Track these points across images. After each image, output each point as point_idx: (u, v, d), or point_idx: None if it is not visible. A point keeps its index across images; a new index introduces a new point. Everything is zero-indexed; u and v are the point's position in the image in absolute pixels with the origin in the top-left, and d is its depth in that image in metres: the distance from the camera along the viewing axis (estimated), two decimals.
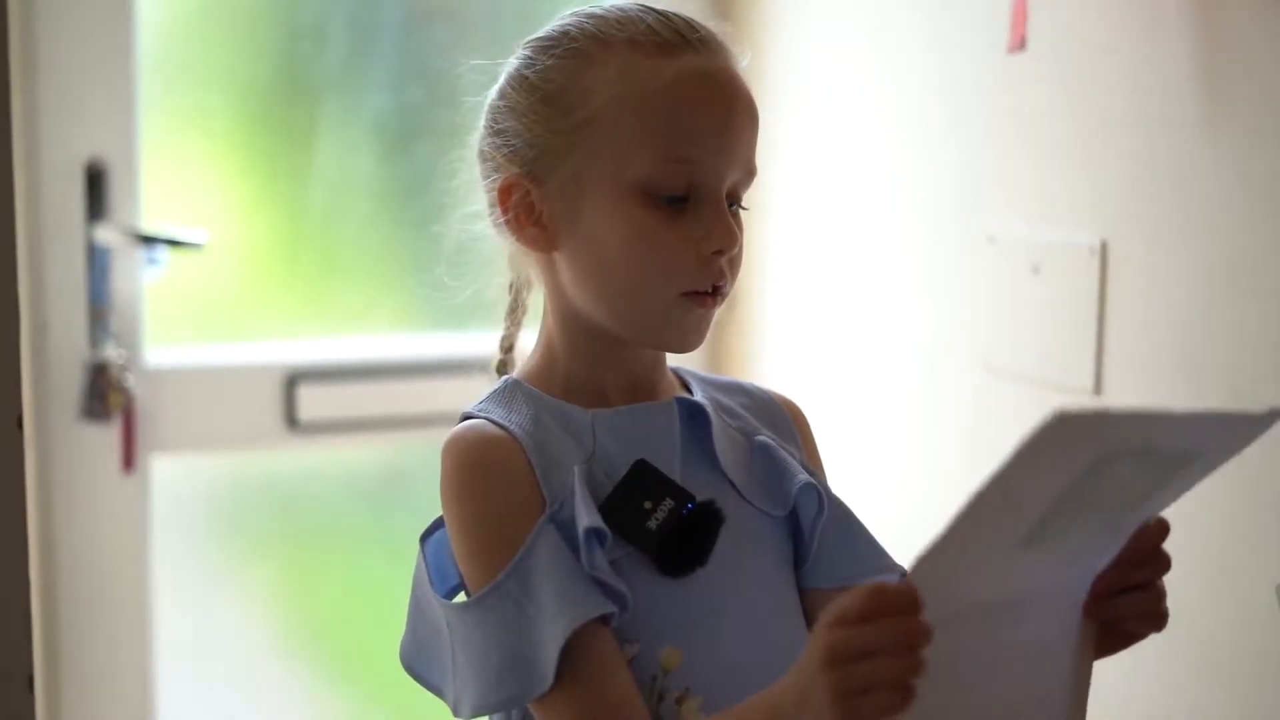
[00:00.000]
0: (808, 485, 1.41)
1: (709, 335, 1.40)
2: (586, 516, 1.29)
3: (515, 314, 1.50)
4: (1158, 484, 1.15)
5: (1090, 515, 1.12)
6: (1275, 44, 1.79)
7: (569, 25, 1.39)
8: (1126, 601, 1.25)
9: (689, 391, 1.45)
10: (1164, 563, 1.25)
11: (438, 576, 1.38)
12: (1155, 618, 1.26)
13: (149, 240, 2.50)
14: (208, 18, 2.64)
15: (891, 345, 2.46)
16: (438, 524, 1.39)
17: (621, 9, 1.39)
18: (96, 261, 2.49)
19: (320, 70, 2.72)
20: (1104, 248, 2.02)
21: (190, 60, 2.63)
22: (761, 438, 1.43)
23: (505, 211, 1.39)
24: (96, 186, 2.48)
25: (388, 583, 2.65)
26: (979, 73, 2.23)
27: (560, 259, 1.39)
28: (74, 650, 2.54)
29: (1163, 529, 1.24)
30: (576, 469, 1.32)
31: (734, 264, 1.37)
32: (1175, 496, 1.21)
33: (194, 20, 2.64)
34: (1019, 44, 2.00)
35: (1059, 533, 1.11)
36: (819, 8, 2.62)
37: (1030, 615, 1.18)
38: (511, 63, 1.42)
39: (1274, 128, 1.80)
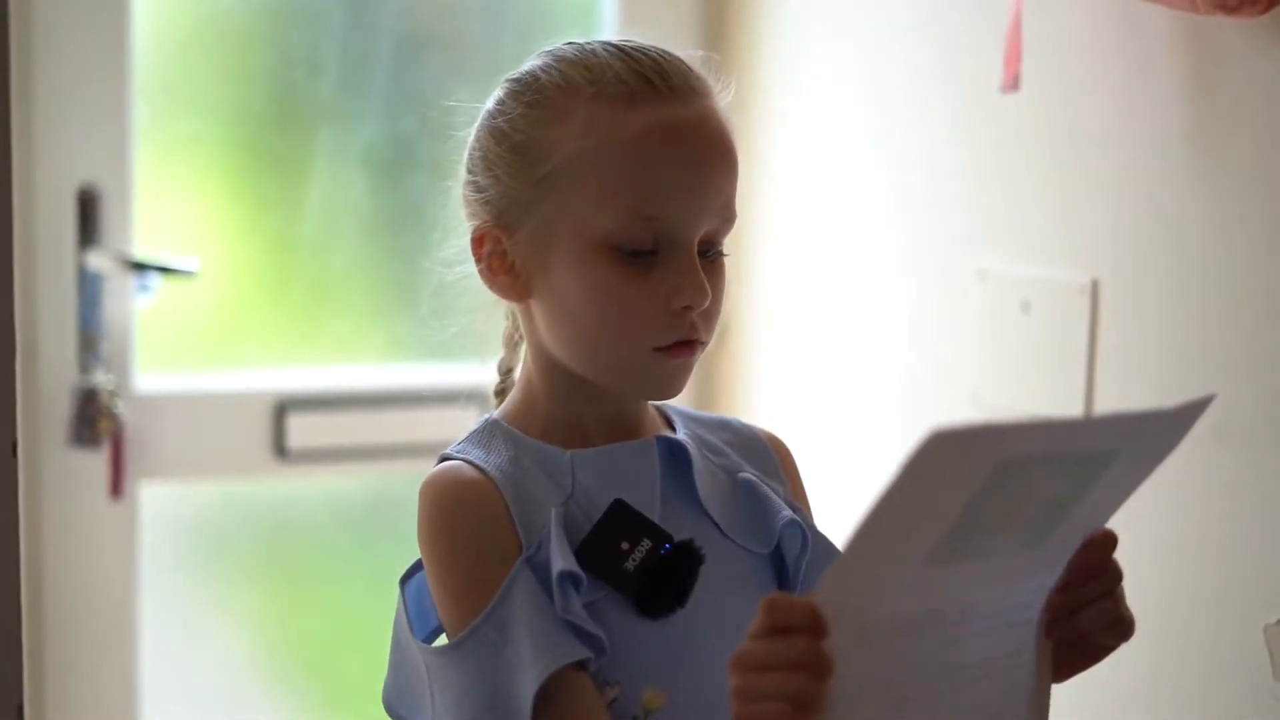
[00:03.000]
0: (791, 522, 1.40)
1: (698, 372, 1.39)
2: (560, 560, 1.28)
3: (514, 339, 1.48)
4: (1077, 489, 1.14)
5: (1011, 527, 1.11)
6: (1265, 85, 1.80)
7: (538, 70, 1.37)
8: (1086, 617, 1.24)
9: (672, 428, 1.44)
10: (1115, 574, 1.24)
11: (418, 619, 1.37)
12: (1119, 626, 1.25)
13: (140, 267, 2.50)
14: (202, 46, 2.64)
15: (882, 381, 2.46)
16: (417, 566, 1.39)
17: (594, 51, 1.36)
18: (87, 287, 2.49)
19: (313, 99, 2.72)
20: (1094, 286, 2.02)
21: (184, 88, 2.63)
22: (745, 474, 1.42)
23: (479, 260, 1.38)
24: (88, 212, 2.48)
25: (374, 612, 2.63)
26: (971, 110, 2.24)
27: (534, 307, 1.38)
28: (60, 676, 2.53)
29: (1109, 541, 1.23)
30: (553, 511, 1.31)
31: (707, 317, 1.35)
32: (1115, 501, 1.20)
33: (188, 48, 2.64)
34: (1012, 83, 2.00)
35: (981, 548, 1.10)
36: (811, 43, 2.63)
37: (972, 635, 1.17)
38: (488, 103, 1.40)
39: (1264, 168, 1.81)
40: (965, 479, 1.04)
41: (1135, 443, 1.15)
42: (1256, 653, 1.76)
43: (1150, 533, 1.83)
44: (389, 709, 1.41)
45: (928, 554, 1.08)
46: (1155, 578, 1.87)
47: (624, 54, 1.35)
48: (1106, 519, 1.22)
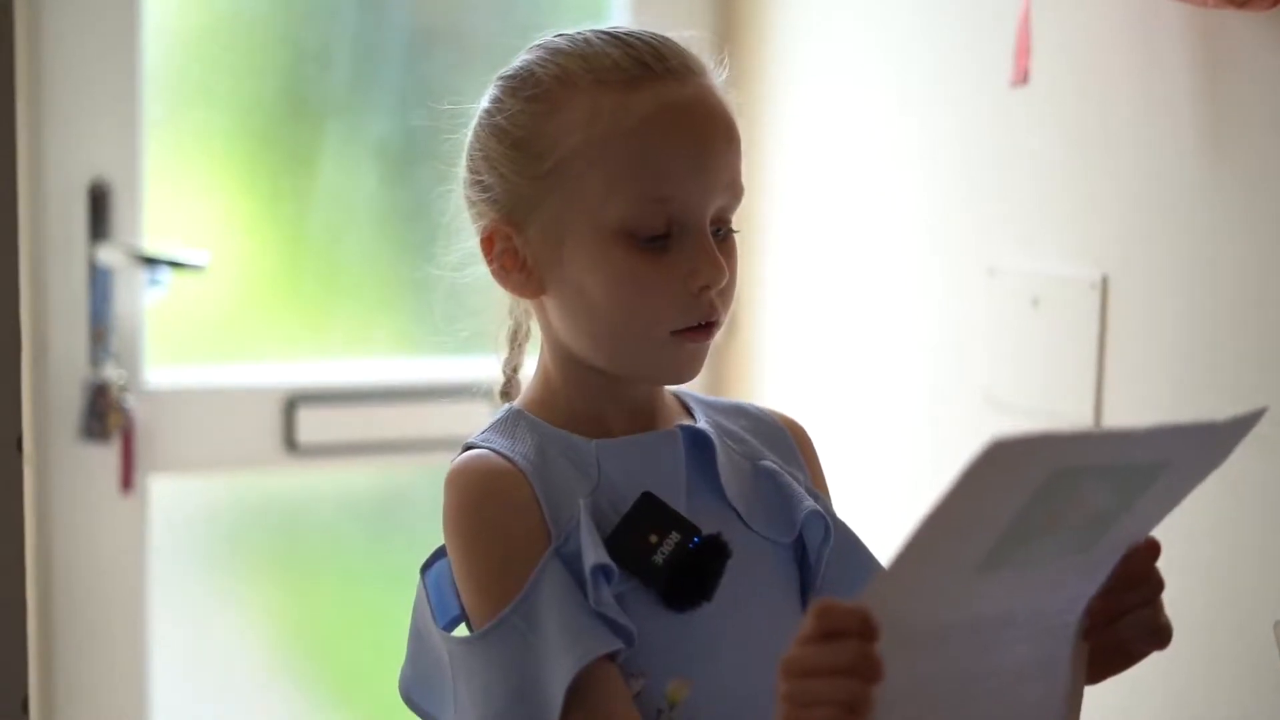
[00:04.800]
0: (814, 512, 1.40)
1: (708, 360, 1.39)
2: (593, 554, 1.28)
3: (517, 337, 1.48)
4: (1124, 499, 1.14)
5: (1056, 535, 1.12)
6: (1276, 80, 1.79)
7: (533, 64, 1.36)
8: (1126, 624, 1.25)
9: (690, 415, 1.43)
10: (1157, 583, 1.25)
11: (439, 607, 1.36)
12: (1158, 634, 1.26)
13: (151, 261, 2.50)
14: (213, 39, 2.64)
15: (892, 376, 2.46)
16: (438, 554, 1.38)
17: (587, 40, 1.35)
18: (98, 281, 2.49)
19: (324, 93, 2.72)
20: (1105, 282, 2.02)
21: (194, 81, 2.64)
22: (765, 463, 1.42)
23: (490, 260, 1.38)
24: (99, 206, 2.48)
25: (385, 606, 2.65)
26: (982, 105, 2.23)
27: (548, 302, 1.38)
28: (69, 670, 2.53)
29: (1153, 550, 1.23)
30: (582, 502, 1.31)
31: (725, 294, 1.35)
32: (1159, 512, 1.21)
33: (199, 41, 2.64)
34: (1022, 77, 2.00)
35: (1025, 555, 1.11)
36: (822, 37, 2.62)
37: (1010, 640, 1.18)
38: (483, 102, 1.40)
39: (1274, 163, 1.80)
40: (1020, 487, 1.04)
41: (1186, 455, 1.16)
42: (1266, 649, 1.76)
43: (1161, 528, 1.83)
44: (406, 698, 1.40)
45: (977, 561, 1.08)
46: (1166, 573, 1.87)
47: (618, 40, 1.35)
48: (1149, 530, 1.22)
